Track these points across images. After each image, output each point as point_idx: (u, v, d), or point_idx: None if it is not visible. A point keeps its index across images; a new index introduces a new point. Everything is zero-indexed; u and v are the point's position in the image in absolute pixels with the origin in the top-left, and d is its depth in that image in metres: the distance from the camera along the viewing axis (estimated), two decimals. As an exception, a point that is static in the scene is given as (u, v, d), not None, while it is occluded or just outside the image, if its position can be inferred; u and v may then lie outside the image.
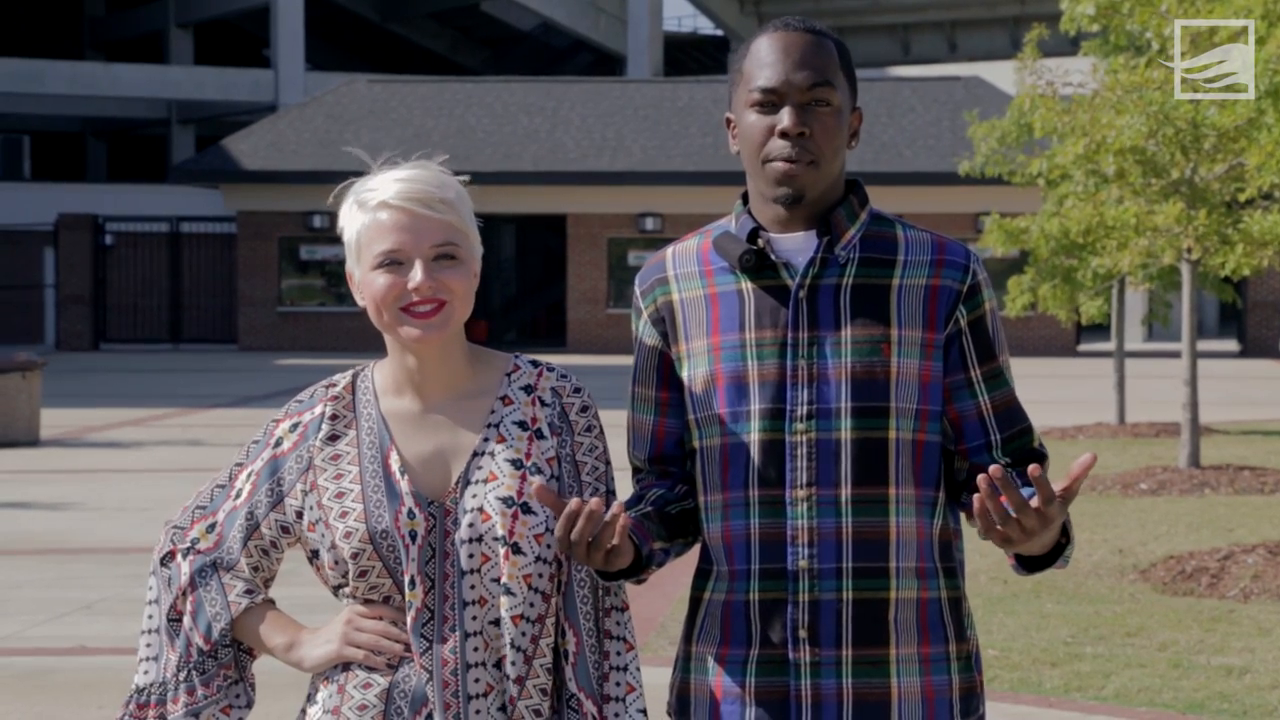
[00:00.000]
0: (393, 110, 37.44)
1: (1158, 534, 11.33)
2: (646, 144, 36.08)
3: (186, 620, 2.82)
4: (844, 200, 2.82)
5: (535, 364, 2.85)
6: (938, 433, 2.80)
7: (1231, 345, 37.88)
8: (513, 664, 2.71)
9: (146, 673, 2.85)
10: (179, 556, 2.84)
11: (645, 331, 2.88)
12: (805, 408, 2.74)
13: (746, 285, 2.80)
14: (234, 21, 53.26)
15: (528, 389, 2.81)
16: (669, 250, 2.91)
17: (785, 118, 2.74)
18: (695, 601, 2.88)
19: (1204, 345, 36.80)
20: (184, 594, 2.82)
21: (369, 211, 2.75)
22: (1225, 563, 9.77)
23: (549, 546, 2.73)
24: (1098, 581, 9.70)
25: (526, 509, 2.72)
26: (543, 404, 2.80)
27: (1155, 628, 8.43)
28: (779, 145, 2.75)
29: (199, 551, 2.84)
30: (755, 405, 2.76)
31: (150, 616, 2.87)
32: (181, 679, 2.81)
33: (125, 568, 10.28)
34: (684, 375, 2.84)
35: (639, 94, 38.18)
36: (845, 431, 2.74)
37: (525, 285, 43.28)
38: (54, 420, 19.83)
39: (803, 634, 2.73)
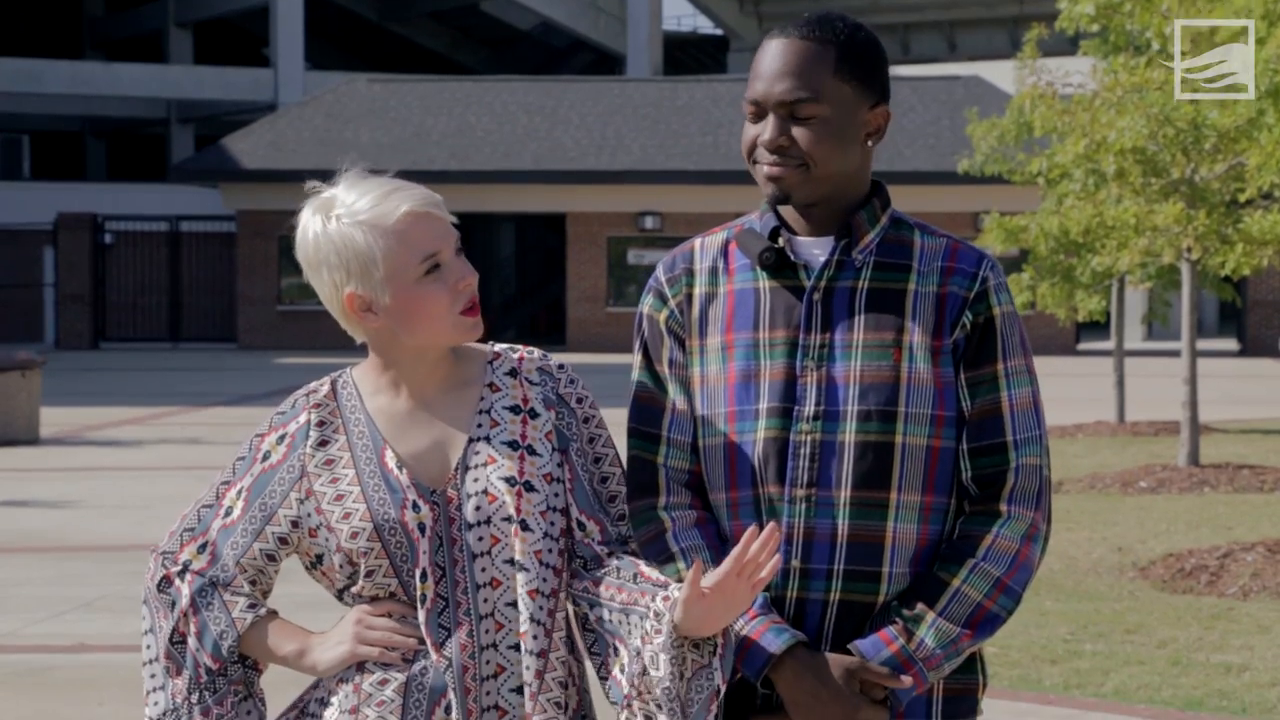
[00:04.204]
0: (392, 109, 37.43)
1: (1157, 532, 11.33)
2: (646, 143, 36.07)
3: (191, 641, 2.80)
4: (867, 203, 2.80)
5: (514, 349, 2.86)
6: (953, 439, 2.76)
7: (1231, 344, 37.87)
8: (534, 638, 2.70)
9: (156, 703, 2.83)
10: (176, 580, 2.82)
11: (669, 319, 2.85)
12: (811, 408, 2.73)
13: (764, 284, 2.79)
14: (233, 21, 53.27)
15: (512, 373, 2.82)
16: (698, 241, 2.89)
17: (765, 129, 2.74)
18: None
19: (1204, 344, 36.81)
20: (186, 616, 2.80)
21: (388, 230, 2.72)
22: (1224, 561, 9.78)
23: (553, 524, 2.74)
24: (1097, 579, 9.70)
25: (529, 487, 2.72)
26: (531, 384, 2.81)
27: (1154, 625, 8.43)
28: (762, 153, 2.75)
29: (195, 572, 2.82)
30: (763, 404, 2.75)
31: (149, 647, 2.84)
32: (194, 701, 2.80)
33: (125, 565, 10.28)
34: (695, 371, 2.82)
35: (638, 93, 38.18)
36: (849, 434, 2.71)
37: (525, 284, 43.25)
38: (54, 419, 19.83)
39: None
